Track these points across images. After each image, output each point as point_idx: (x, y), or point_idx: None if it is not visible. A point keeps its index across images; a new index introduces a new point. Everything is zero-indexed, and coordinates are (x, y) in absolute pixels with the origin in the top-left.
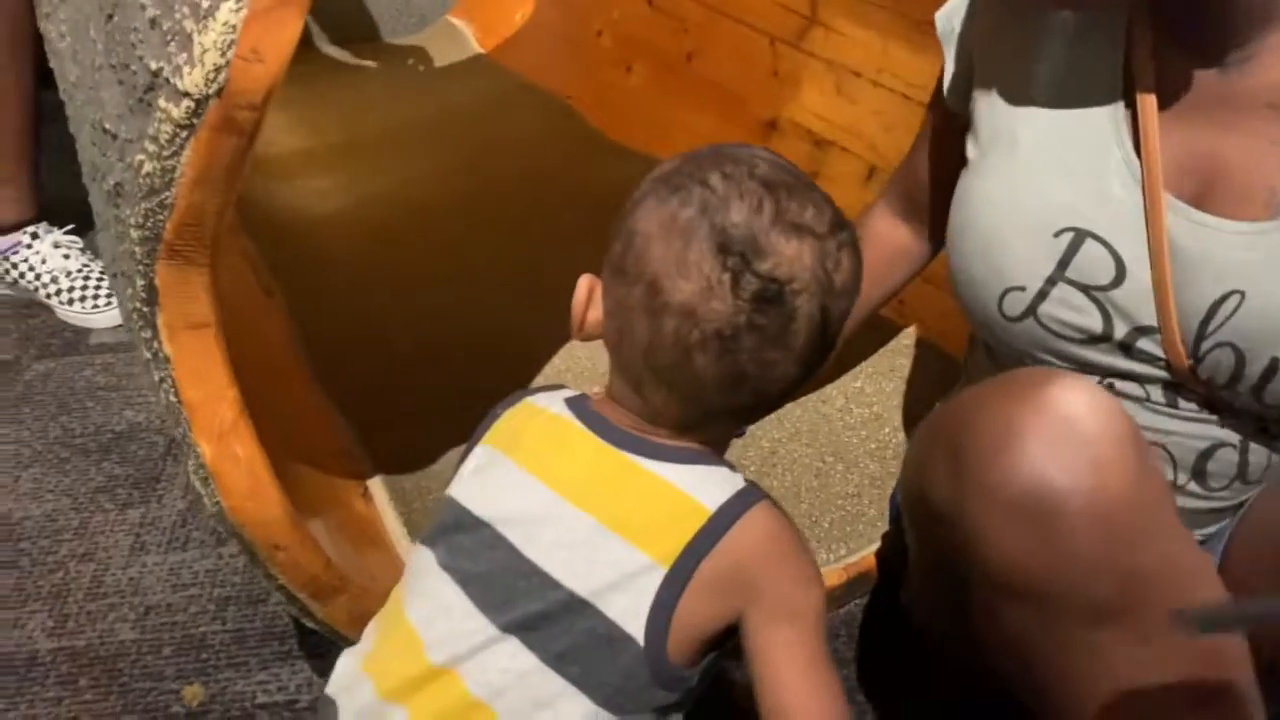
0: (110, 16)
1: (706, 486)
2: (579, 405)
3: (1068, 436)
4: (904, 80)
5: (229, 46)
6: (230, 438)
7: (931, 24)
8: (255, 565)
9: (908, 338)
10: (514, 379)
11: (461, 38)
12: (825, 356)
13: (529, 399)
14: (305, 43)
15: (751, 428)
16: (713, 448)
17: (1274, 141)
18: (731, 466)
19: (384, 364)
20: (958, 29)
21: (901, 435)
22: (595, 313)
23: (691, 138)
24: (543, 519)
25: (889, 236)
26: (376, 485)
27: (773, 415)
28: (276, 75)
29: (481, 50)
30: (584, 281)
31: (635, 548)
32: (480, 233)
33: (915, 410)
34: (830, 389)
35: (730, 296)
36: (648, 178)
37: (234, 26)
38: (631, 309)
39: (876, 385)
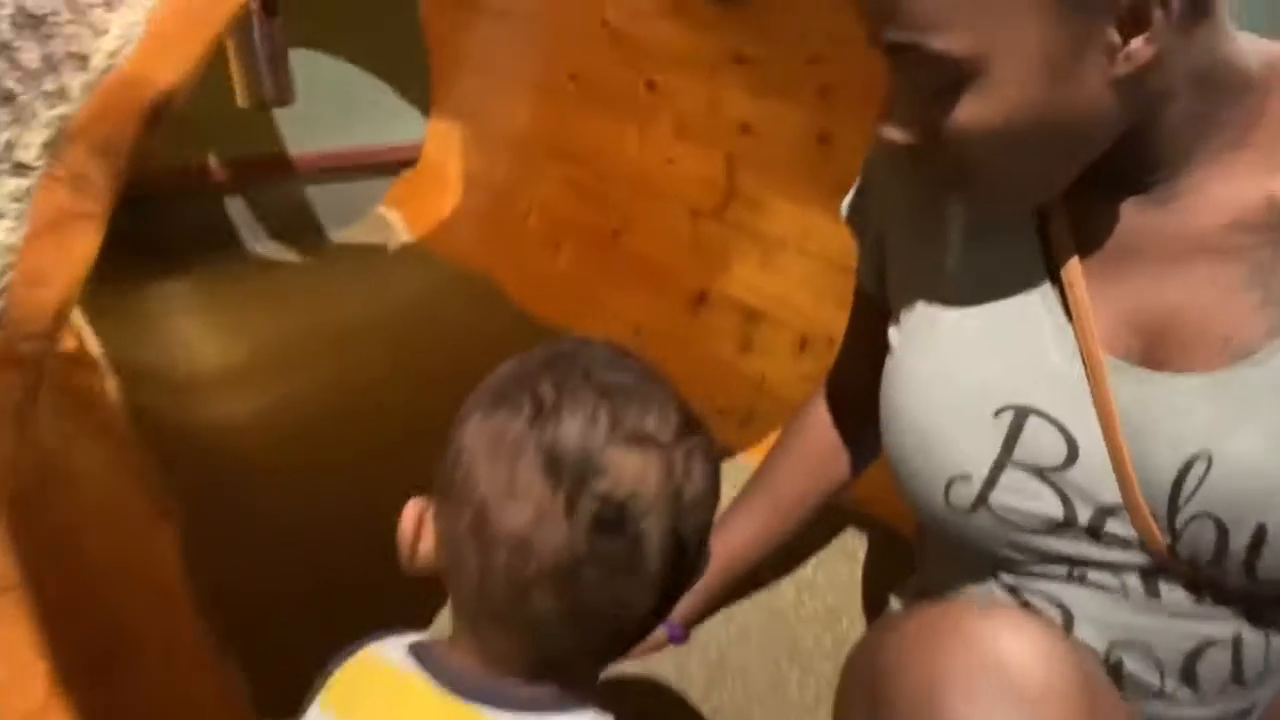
0: None
1: None
2: (422, 651)
3: (1004, 695)
4: (829, 247)
5: (4, 271)
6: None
7: (847, 191)
8: None
9: (860, 519)
10: (428, 597)
11: (392, 229)
12: (688, 580)
13: (370, 646)
14: (233, 242)
15: (696, 630)
16: (576, 689)
17: (1220, 286)
18: (600, 709)
19: (284, 585)
20: (863, 215)
21: (860, 628)
22: (427, 542)
23: (621, 314)
24: None
25: (829, 430)
26: None
27: (719, 614)
28: (68, 299)
29: (411, 239)
30: (411, 507)
31: None
32: (401, 437)
33: (873, 600)
34: (781, 581)
35: (565, 523)
36: (478, 387)
37: (12, 248)
38: (460, 538)
39: (829, 573)
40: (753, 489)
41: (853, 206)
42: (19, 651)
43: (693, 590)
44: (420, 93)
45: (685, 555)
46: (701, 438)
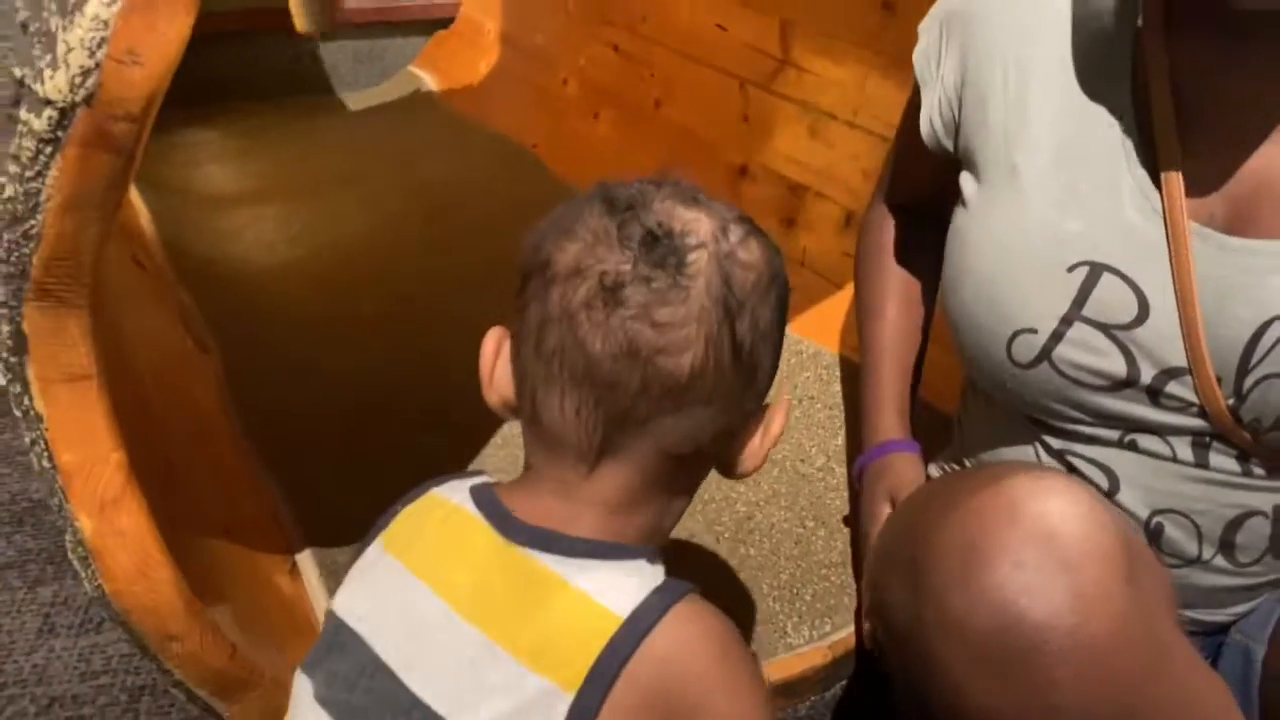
0: None
1: (618, 587)
2: (482, 494)
3: (1044, 557)
4: (883, 121)
5: (99, 45)
6: (114, 509)
7: (909, 60)
8: (147, 658)
9: None
10: (466, 441)
11: (422, 88)
12: (752, 377)
13: (436, 489)
14: (258, 96)
15: (725, 489)
16: (642, 531)
17: None
18: (652, 556)
19: (325, 423)
20: (937, 65)
21: None
22: (503, 367)
23: None
24: (427, 637)
25: (924, 248)
26: (306, 559)
27: (749, 478)
28: (159, 80)
29: (441, 99)
30: (493, 333)
31: (532, 671)
32: (436, 286)
33: None
34: (810, 447)
35: (616, 243)
36: None
37: (105, 22)
38: (524, 310)
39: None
40: (873, 297)
41: (926, 54)
42: (97, 438)
43: (896, 402)
44: None
45: (733, 308)
46: (763, 236)
